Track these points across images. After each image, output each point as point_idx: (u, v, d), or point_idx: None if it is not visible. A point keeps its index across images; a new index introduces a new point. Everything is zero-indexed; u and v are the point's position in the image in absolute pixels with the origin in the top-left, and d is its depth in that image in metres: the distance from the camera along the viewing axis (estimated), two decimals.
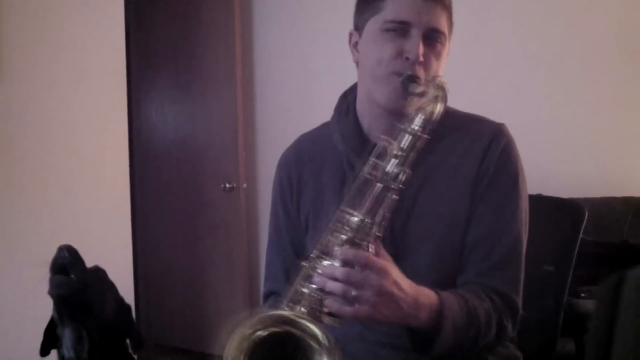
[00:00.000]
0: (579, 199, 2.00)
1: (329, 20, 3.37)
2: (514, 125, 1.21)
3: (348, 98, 1.29)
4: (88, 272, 1.51)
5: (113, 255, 2.74)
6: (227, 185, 3.47)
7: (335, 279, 0.94)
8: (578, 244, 1.45)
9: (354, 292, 0.93)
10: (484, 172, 1.15)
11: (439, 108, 1.05)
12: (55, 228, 2.55)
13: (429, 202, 1.15)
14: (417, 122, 1.04)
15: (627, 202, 2.56)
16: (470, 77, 2.80)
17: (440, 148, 1.15)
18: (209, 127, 3.61)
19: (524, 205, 1.18)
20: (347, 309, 0.94)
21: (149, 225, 3.87)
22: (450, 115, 1.16)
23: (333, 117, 1.31)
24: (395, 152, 1.02)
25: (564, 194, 1.61)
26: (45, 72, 2.52)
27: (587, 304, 1.99)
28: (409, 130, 1.04)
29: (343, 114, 1.27)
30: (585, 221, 1.46)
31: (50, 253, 2.63)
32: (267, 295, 1.34)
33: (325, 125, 1.33)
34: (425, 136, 1.04)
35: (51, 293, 1.50)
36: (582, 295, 2.07)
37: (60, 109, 2.58)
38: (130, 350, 1.78)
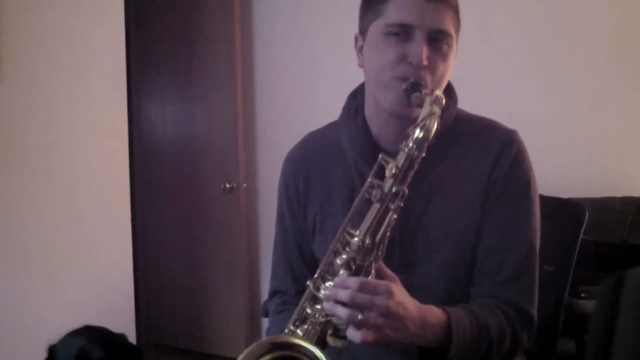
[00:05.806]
0: (579, 199, 2.00)
1: (329, 20, 3.37)
2: (514, 125, 1.20)
3: (357, 98, 1.25)
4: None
5: (113, 255, 2.74)
6: (227, 185, 3.47)
7: (340, 302, 0.93)
8: (579, 245, 1.45)
9: (359, 316, 0.92)
10: (494, 182, 1.13)
11: (435, 126, 1.00)
12: (56, 228, 2.55)
13: (440, 211, 1.14)
14: (414, 141, 0.99)
15: (627, 202, 2.55)
16: (469, 78, 2.79)
17: (451, 155, 1.12)
18: (209, 127, 3.60)
19: (536, 213, 1.16)
20: (356, 335, 0.94)
21: (149, 225, 3.86)
22: (462, 119, 1.13)
23: (341, 117, 1.26)
24: (393, 171, 0.99)
25: (564, 194, 1.61)
26: (45, 72, 2.52)
27: (587, 304, 1.99)
28: (406, 149, 0.99)
29: (352, 116, 1.23)
30: (585, 221, 1.46)
31: (50, 253, 2.64)
32: (273, 294, 1.34)
33: (332, 125, 1.28)
34: (423, 154, 1.00)
35: None
36: (582, 295, 2.07)
37: (61, 108, 2.58)
38: None
